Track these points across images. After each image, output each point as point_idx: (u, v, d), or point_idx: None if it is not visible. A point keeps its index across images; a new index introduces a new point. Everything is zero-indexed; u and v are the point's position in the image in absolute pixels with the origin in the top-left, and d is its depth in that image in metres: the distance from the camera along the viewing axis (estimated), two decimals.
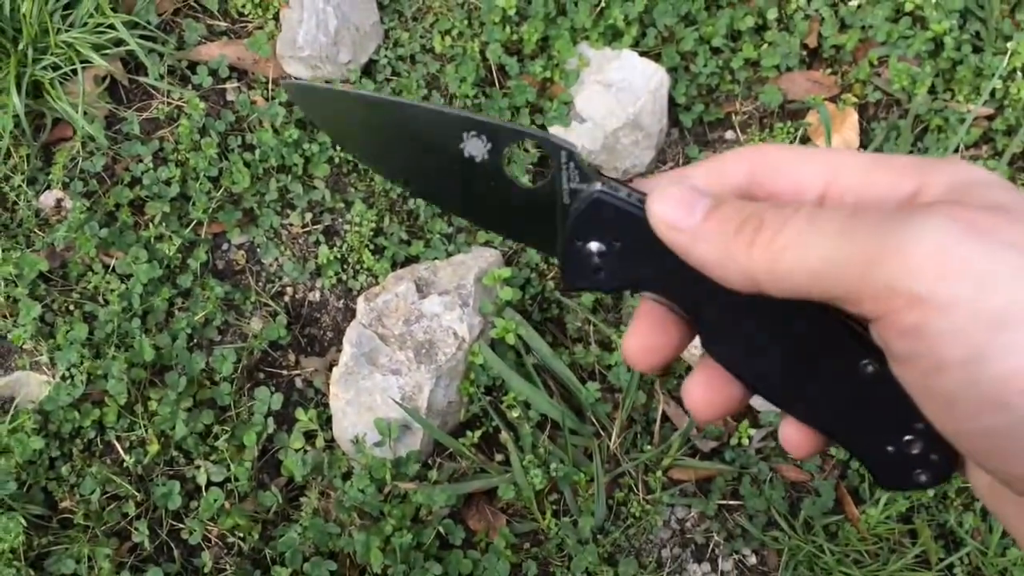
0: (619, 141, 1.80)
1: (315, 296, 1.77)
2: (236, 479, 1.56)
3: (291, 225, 1.80)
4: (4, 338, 1.67)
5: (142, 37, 1.85)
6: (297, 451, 1.61)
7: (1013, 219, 0.33)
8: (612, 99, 1.79)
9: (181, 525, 1.57)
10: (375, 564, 1.45)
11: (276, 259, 1.78)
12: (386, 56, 1.90)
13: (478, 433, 1.58)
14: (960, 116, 1.84)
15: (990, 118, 1.88)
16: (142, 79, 1.87)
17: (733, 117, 1.93)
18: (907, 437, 0.39)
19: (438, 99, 1.86)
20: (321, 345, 1.74)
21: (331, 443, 1.62)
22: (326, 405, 1.64)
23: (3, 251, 1.68)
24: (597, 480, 1.55)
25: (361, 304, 1.63)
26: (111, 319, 1.63)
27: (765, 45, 1.93)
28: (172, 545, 1.57)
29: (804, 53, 1.94)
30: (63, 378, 1.60)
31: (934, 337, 0.32)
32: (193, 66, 1.89)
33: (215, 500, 1.54)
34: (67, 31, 1.81)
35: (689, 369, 1.68)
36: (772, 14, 1.92)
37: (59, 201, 1.76)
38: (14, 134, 1.77)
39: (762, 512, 1.62)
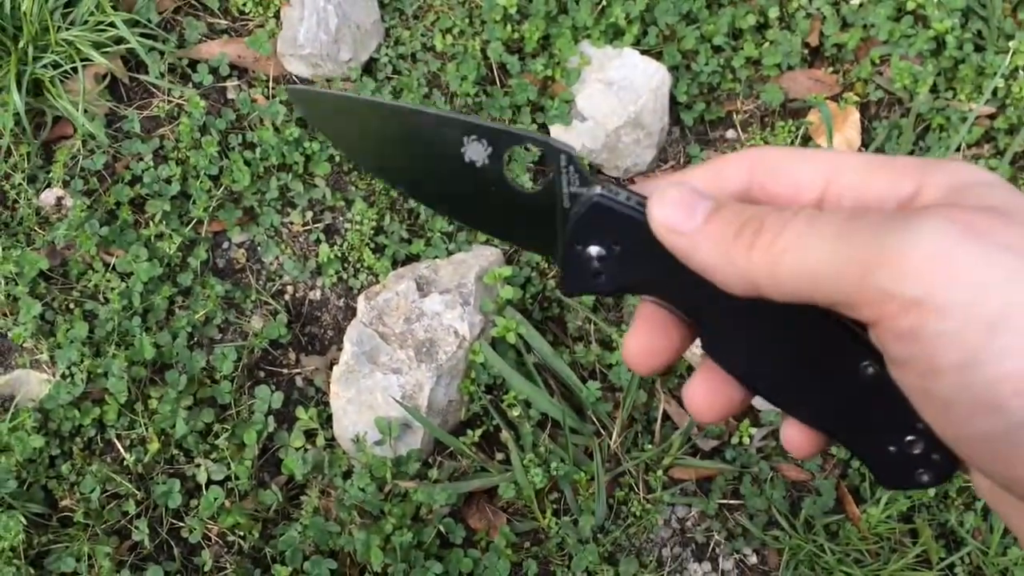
0: (620, 140, 1.80)
1: (316, 295, 1.77)
2: (236, 478, 1.56)
3: (292, 223, 1.80)
4: (4, 336, 1.67)
5: (142, 35, 1.85)
6: (297, 450, 1.61)
7: (1010, 221, 0.33)
8: (613, 98, 1.79)
9: (181, 524, 1.57)
10: (375, 563, 1.45)
11: (277, 257, 1.78)
12: (387, 54, 1.89)
13: (479, 432, 1.58)
14: (962, 115, 1.84)
15: (992, 117, 1.88)
16: (143, 77, 1.87)
17: (734, 116, 1.92)
18: (908, 437, 0.39)
19: (439, 97, 1.86)
20: (322, 344, 1.74)
21: (331, 442, 1.62)
22: (326, 404, 1.64)
23: (3, 249, 1.68)
24: (598, 479, 1.55)
25: (362, 303, 1.63)
26: (111, 317, 1.63)
27: (766, 44, 1.92)
28: (172, 544, 1.57)
29: (806, 52, 1.94)
30: (63, 376, 1.60)
31: (930, 341, 0.32)
32: (194, 64, 1.89)
33: (215, 499, 1.54)
34: (67, 29, 1.81)
35: (690, 368, 1.68)
36: (773, 12, 1.92)
37: (59, 199, 1.76)
38: (14, 132, 1.77)
39: (763, 511, 1.62)
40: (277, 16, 1.90)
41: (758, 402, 1.63)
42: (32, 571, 1.48)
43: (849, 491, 1.64)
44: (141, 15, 1.86)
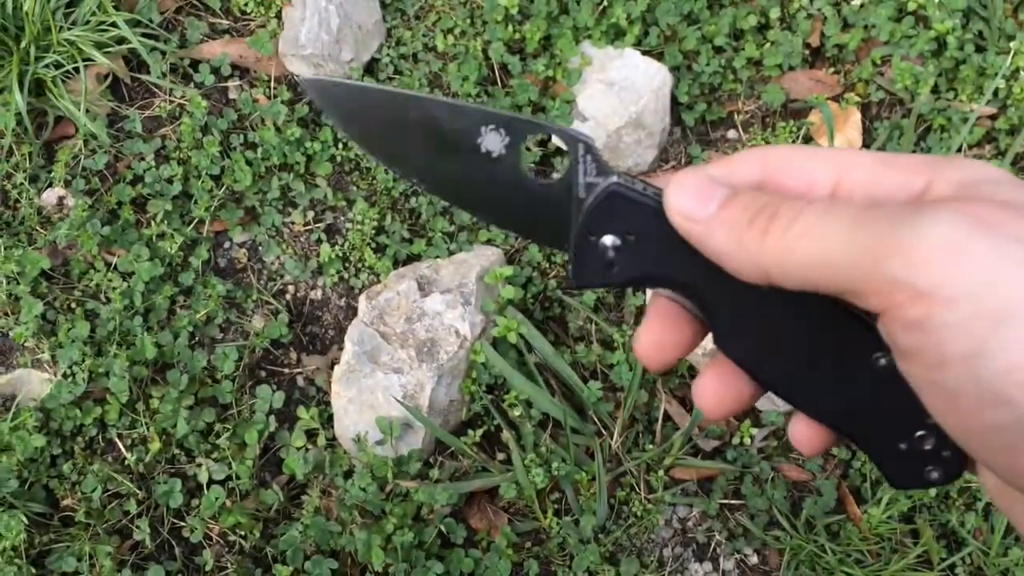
0: (621, 140, 1.80)
1: (317, 294, 1.77)
2: (237, 477, 1.56)
3: (293, 223, 1.80)
4: (6, 336, 1.67)
5: (144, 35, 1.85)
6: (298, 449, 1.61)
7: (1020, 215, 0.33)
8: (614, 98, 1.79)
9: (182, 523, 1.57)
10: (376, 563, 1.45)
11: (278, 257, 1.78)
12: (388, 55, 1.90)
13: (480, 432, 1.58)
14: (963, 115, 1.84)
15: (993, 118, 1.88)
16: (144, 77, 1.87)
17: (735, 116, 1.92)
18: (919, 432, 0.39)
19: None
20: (323, 343, 1.74)
21: (332, 441, 1.62)
22: (328, 403, 1.64)
23: (5, 249, 1.68)
24: (599, 479, 1.55)
25: (363, 302, 1.63)
26: (113, 317, 1.63)
27: (768, 44, 1.92)
28: (173, 543, 1.57)
29: (807, 52, 1.94)
30: (65, 376, 1.60)
31: (937, 331, 0.32)
32: (195, 64, 1.89)
33: (216, 498, 1.54)
34: (69, 29, 1.81)
35: (691, 369, 1.68)
36: (775, 13, 1.92)
37: (61, 199, 1.76)
38: (16, 132, 1.77)
39: (764, 511, 1.62)
40: (279, 16, 1.90)
41: (760, 402, 1.63)
42: (33, 570, 1.48)
43: (850, 491, 1.64)
44: (143, 15, 1.86)
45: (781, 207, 0.36)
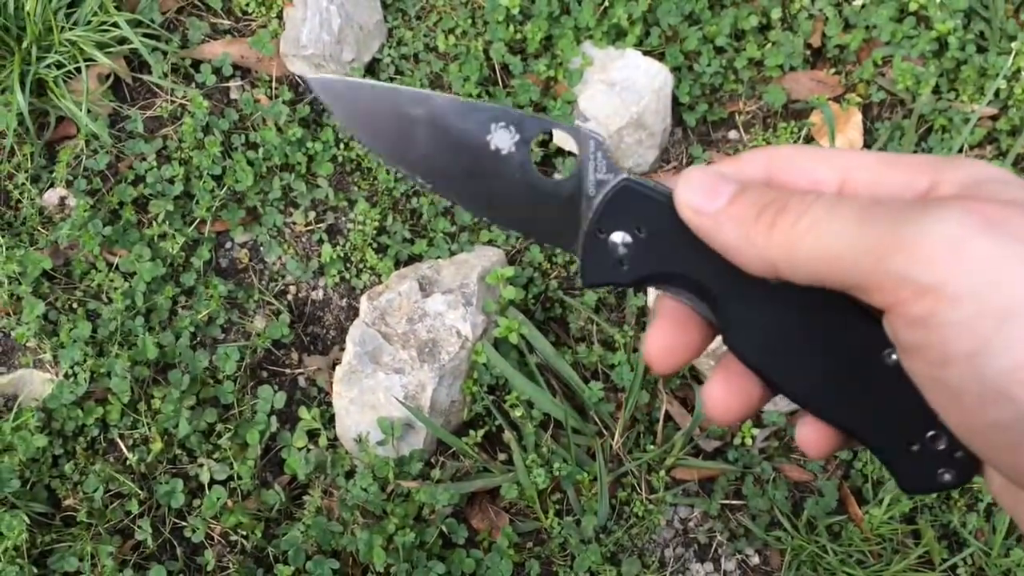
0: (623, 140, 1.80)
1: (318, 295, 1.77)
2: (239, 477, 1.56)
3: (294, 223, 1.80)
4: (8, 336, 1.68)
5: (146, 35, 1.85)
6: (300, 450, 1.61)
7: None
8: (616, 98, 1.79)
9: (184, 523, 1.57)
10: (378, 563, 1.45)
11: (279, 257, 1.78)
12: (390, 55, 1.90)
13: (481, 432, 1.58)
14: (964, 116, 1.84)
15: (994, 118, 1.88)
16: (146, 77, 1.87)
17: (737, 117, 1.92)
18: (931, 432, 0.39)
19: None
20: (324, 344, 1.74)
21: (334, 442, 1.62)
22: (329, 404, 1.64)
23: (7, 249, 1.68)
24: (600, 479, 1.55)
25: (364, 303, 1.63)
26: (114, 317, 1.63)
27: (769, 45, 1.93)
28: (175, 543, 1.57)
29: (808, 53, 1.94)
30: (66, 376, 1.60)
31: (941, 328, 0.32)
32: (197, 64, 1.89)
33: (218, 498, 1.54)
34: (71, 29, 1.81)
35: (692, 370, 1.68)
36: (776, 13, 1.92)
37: (63, 199, 1.76)
38: (18, 132, 1.77)
39: (765, 512, 1.62)
40: (280, 17, 1.90)
41: None
42: (35, 570, 1.48)
43: (851, 492, 1.64)
44: (144, 15, 1.86)
45: (789, 201, 0.37)
